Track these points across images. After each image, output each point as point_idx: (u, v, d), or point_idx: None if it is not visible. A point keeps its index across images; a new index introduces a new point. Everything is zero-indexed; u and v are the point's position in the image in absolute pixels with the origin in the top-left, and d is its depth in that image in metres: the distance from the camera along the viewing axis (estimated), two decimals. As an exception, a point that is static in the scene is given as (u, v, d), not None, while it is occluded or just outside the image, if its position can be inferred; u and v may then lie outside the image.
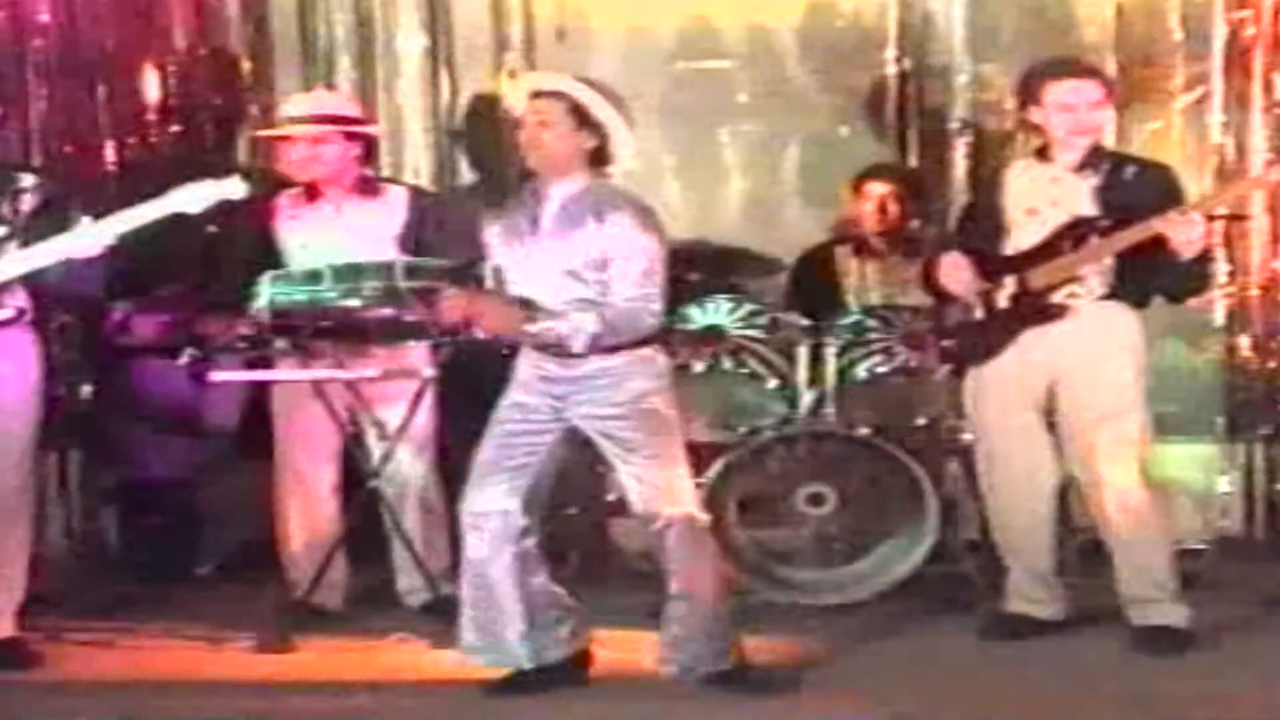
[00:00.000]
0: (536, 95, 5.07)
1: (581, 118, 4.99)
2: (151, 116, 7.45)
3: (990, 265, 5.71)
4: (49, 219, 5.47)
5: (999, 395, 5.73)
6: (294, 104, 6.41)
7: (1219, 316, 7.16)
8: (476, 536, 5.12)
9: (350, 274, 5.71)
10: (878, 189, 6.78)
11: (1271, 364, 7.16)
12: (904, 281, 6.76)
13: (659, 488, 5.04)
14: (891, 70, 7.39)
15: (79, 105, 7.36)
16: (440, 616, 5.91)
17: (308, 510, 6.12)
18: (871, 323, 6.41)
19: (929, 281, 5.93)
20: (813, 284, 6.85)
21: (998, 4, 7.39)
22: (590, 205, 5.00)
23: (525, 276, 5.07)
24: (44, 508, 7.21)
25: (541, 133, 5.02)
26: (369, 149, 6.29)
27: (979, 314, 5.75)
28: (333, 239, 6.03)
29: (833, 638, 5.74)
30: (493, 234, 5.19)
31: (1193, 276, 5.62)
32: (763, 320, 6.39)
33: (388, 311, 5.71)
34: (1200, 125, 7.17)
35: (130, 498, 7.01)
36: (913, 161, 7.32)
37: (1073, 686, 5.25)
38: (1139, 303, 5.66)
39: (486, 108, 7.39)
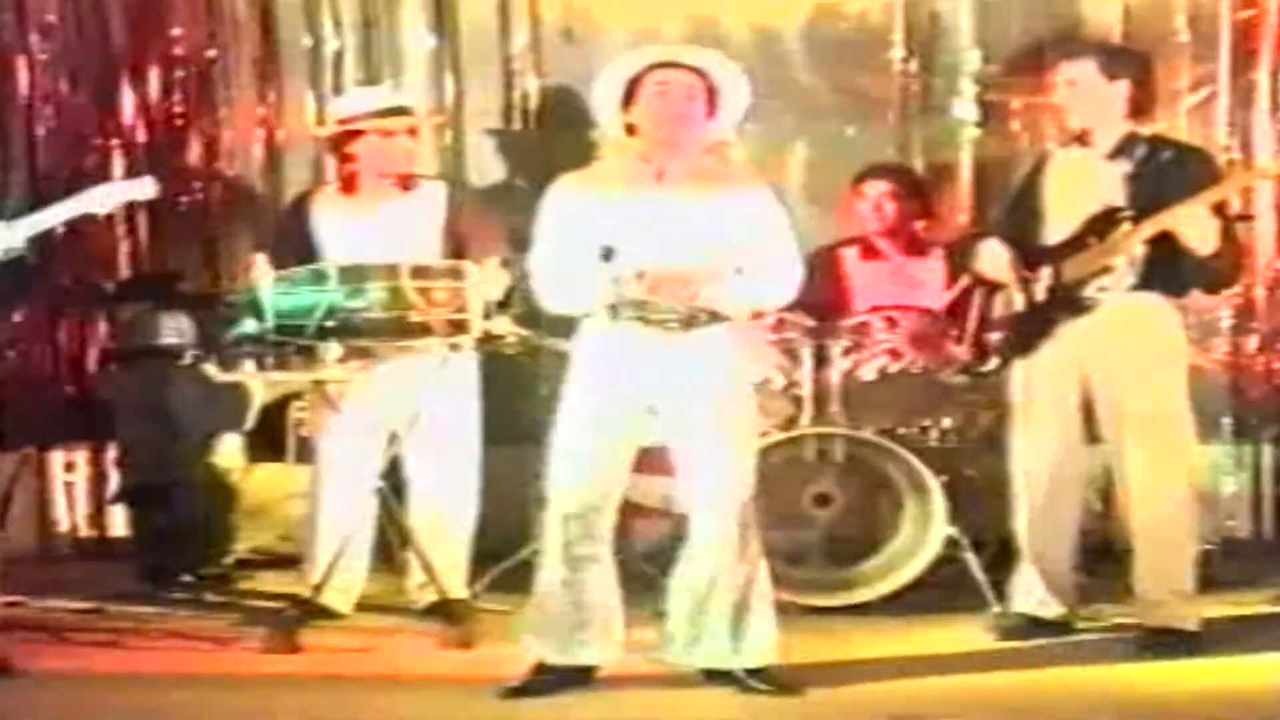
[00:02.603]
0: (673, 66, 5.04)
1: (712, 97, 5.04)
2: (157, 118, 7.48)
3: (1029, 255, 5.69)
4: None
5: (1034, 389, 5.70)
6: (375, 96, 6.39)
7: (1225, 317, 7.14)
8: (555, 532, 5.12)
9: (355, 274, 5.71)
10: (874, 188, 6.78)
11: (1278, 364, 7.16)
12: (910, 282, 6.77)
13: (735, 473, 5.04)
14: (897, 70, 7.38)
15: (84, 106, 7.38)
16: (446, 618, 5.93)
17: (339, 510, 6.07)
18: (878, 323, 6.41)
19: (967, 267, 5.93)
20: (819, 284, 6.84)
21: (1004, 4, 7.38)
22: (723, 175, 5.09)
23: (646, 246, 4.97)
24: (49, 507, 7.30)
25: (687, 105, 5.01)
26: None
27: (1019, 305, 5.73)
28: (369, 233, 6.03)
29: (835, 638, 5.73)
30: (585, 203, 5.09)
31: (1215, 269, 5.51)
32: (768, 320, 6.38)
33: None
34: (1207, 126, 7.16)
35: (138, 498, 7.01)
36: (918, 161, 7.31)
37: (1075, 686, 5.24)
38: (1175, 292, 5.58)
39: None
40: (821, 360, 6.32)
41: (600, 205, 5.05)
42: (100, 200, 5.43)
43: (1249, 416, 7.20)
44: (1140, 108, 5.62)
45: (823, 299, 6.67)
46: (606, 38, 7.42)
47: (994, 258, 5.75)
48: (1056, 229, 5.65)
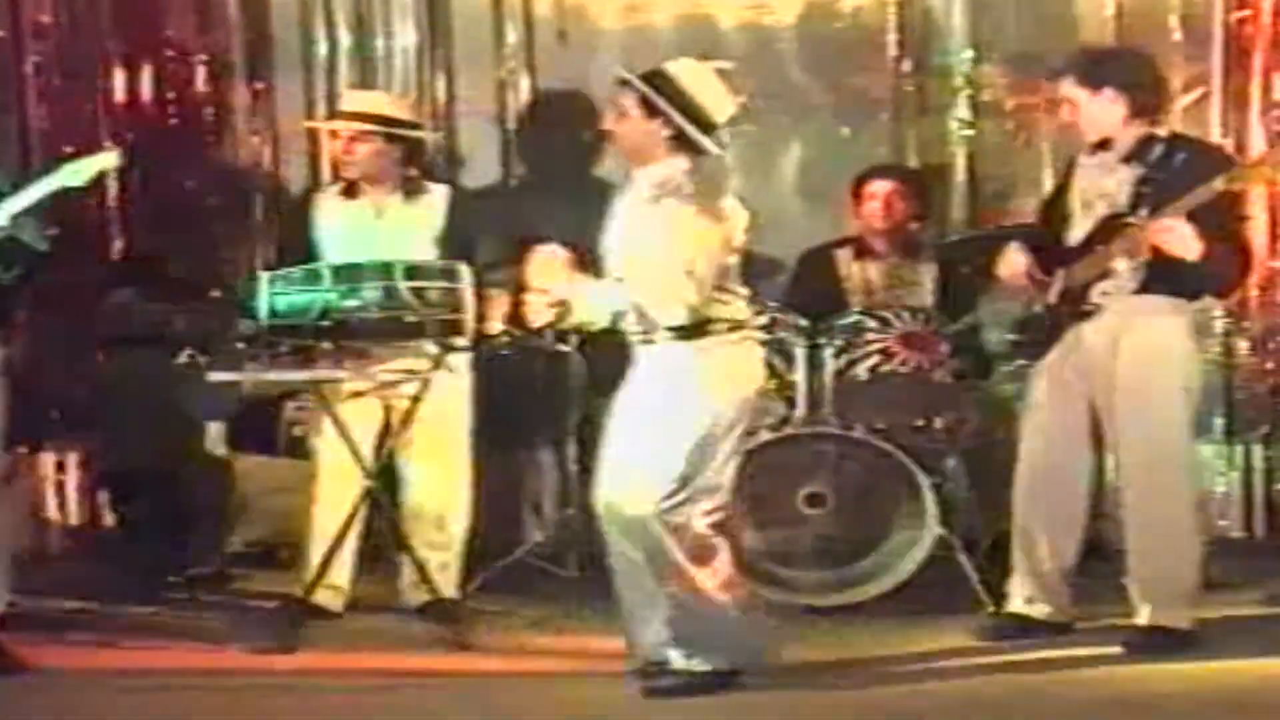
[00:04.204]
0: (621, 84, 5.15)
1: (650, 108, 5.05)
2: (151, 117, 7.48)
3: (1048, 259, 5.71)
4: None
5: (1040, 390, 5.73)
6: (344, 100, 6.44)
7: (1218, 317, 7.14)
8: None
9: (350, 274, 5.71)
10: (881, 187, 6.78)
11: (1270, 364, 7.16)
12: (904, 282, 6.77)
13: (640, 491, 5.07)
14: (891, 69, 7.38)
15: (79, 106, 7.38)
16: (439, 618, 5.94)
17: (331, 511, 6.06)
18: (870, 323, 6.41)
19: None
20: (813, 284, 6.85)
21: (998, 4, 7.38)
22: (658, 190, 5.07)
23: (615, 257, 5.14)
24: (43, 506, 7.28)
25: (616, 122, 5.15)
26: (413, 151, 6.25)
27: (1038, 308, 5.74)
28: (369, 237, 6.03)
29: (828, 638, 5.73)
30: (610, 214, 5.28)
31: (1210, 273, 5.49)
32: (762, 320, 6.37)
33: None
34: (1200, 126, 7.15)
35: (122, 486, 6.96)
36: (912, 161, 7.31)
37: (1072, 687, 5.25)
38: (1183, 295, 5.57)
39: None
40: (814, 360, 6.32)
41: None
42: (73, 174, 5.46)
43: (1241, 416, 7.20)
44: (1142, 108, 5.60)
45: (816, 299, 6.68)
46: (600, 38, 7.42)
47: (1010, 262, 5.78)
48: (1075, 231, 5.68)
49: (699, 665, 5.08)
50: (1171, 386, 5.56)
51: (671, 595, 5.06)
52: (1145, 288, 5.53)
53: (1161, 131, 5.64)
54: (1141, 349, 5.54)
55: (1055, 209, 5.83)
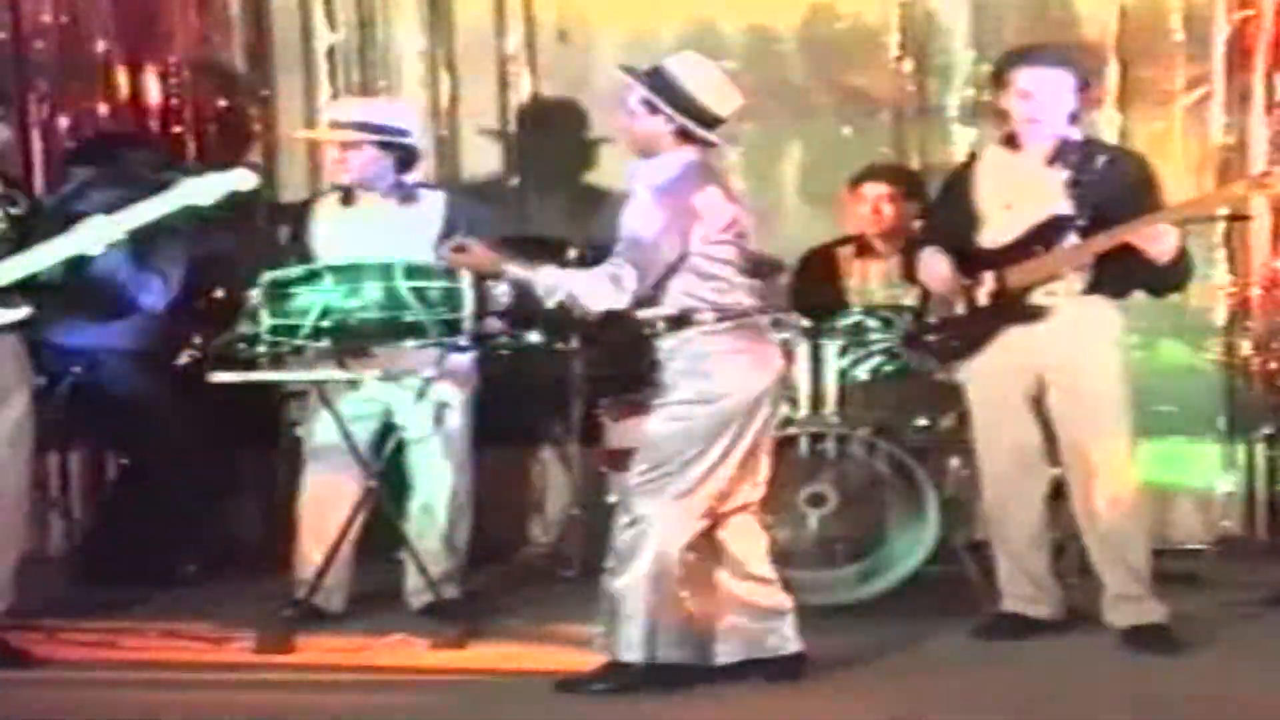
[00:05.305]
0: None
1: (652, 104, 5.14)
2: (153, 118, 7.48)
3: (970, 261, 5.70)
4: (41, 224, 5.52)
5: (987, 393, 5.75)
6: (334, 108, 6.46)
7: (1220, 316, 7.14)
8: None
9: (350, 274, 5.72)
10: (873, 191, 6.78)
11: (1272, 364, 7.16)
12: (906, 282, 6.77)
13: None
14: (893, 70, 7.38)
15: (80, 107, 7.39)
16: (440, 618, 5.94)
17: (328, 512, 6.07)
18: (872, 323, 6.41)
19: (909, 276, 5.98)
20: (814, 284, 6.85)
21: (999, 4, 7.38)
22: (634, 179, 5.19)
23: None
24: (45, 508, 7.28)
25: (625, 119, 5.24)
26: (407, 158, 6.24)
27: (960, 309, 5.75)
28: (366, 243, 6.02)
29: (833, 638, 5.72)
30: None
31: (1170, 275, 5.57)
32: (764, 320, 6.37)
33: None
34: (1202, 125, 7.16)
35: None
36: (914, 161, 7.31)
37: (1071, 686, 5.25)
38: (1118, 294, 5.63)
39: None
40: (817, 360, 6.31)
41: None
42: (201, 192, 5.47)
43: (1243, 416, 7.19)
44: (1079, 112, 5.66)
45: (818, 298, 6.67)
46: (601, 39, 7.42)
47: (933, 266, 5.78)
48: (994, 232, 5.67)
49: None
50: (1115, 388, 5.61)
51: None
52: (1089, 288, 5.56)
53: (1076, 135, 5.66)
54: (1088, 350, 5.58)
55: (958, 207, 5.79)
